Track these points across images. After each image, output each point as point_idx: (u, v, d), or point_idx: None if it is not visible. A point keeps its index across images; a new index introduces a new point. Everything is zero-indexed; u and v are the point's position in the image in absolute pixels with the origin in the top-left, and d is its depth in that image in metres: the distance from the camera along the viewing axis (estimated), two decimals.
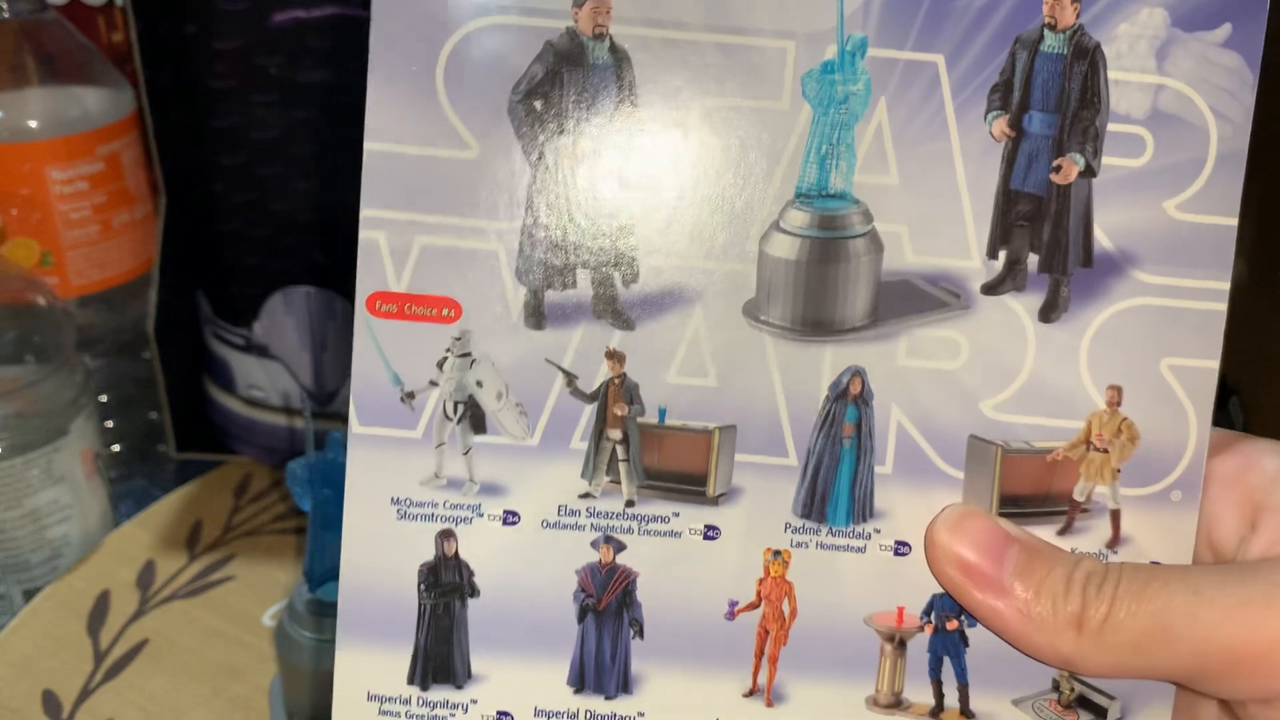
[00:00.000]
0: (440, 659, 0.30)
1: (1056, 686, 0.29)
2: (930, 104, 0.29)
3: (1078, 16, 0.28)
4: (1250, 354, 0.53)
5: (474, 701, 0.30)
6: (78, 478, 0.51)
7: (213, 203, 0.55)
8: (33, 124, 0.56)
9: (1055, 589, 0.27)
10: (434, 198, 0.29)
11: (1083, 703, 0.29)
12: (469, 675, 0.30)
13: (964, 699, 0.29)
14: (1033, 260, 0.29)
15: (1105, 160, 0.29)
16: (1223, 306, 0.29)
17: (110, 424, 0.61)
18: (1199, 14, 0.28)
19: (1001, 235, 0.29)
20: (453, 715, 0.30)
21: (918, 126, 0.29)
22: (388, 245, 0.29)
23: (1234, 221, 0.29)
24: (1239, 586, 0.26)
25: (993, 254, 0.29)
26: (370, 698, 0.30)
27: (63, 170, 0.56)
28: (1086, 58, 0.29)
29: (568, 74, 0.28)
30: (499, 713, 0.30)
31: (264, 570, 0.52)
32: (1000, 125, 0.29)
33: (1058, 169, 0.29)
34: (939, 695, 0.29)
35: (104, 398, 0.61)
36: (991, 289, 0.29)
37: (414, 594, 0.29)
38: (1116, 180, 0.29)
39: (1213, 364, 0.29)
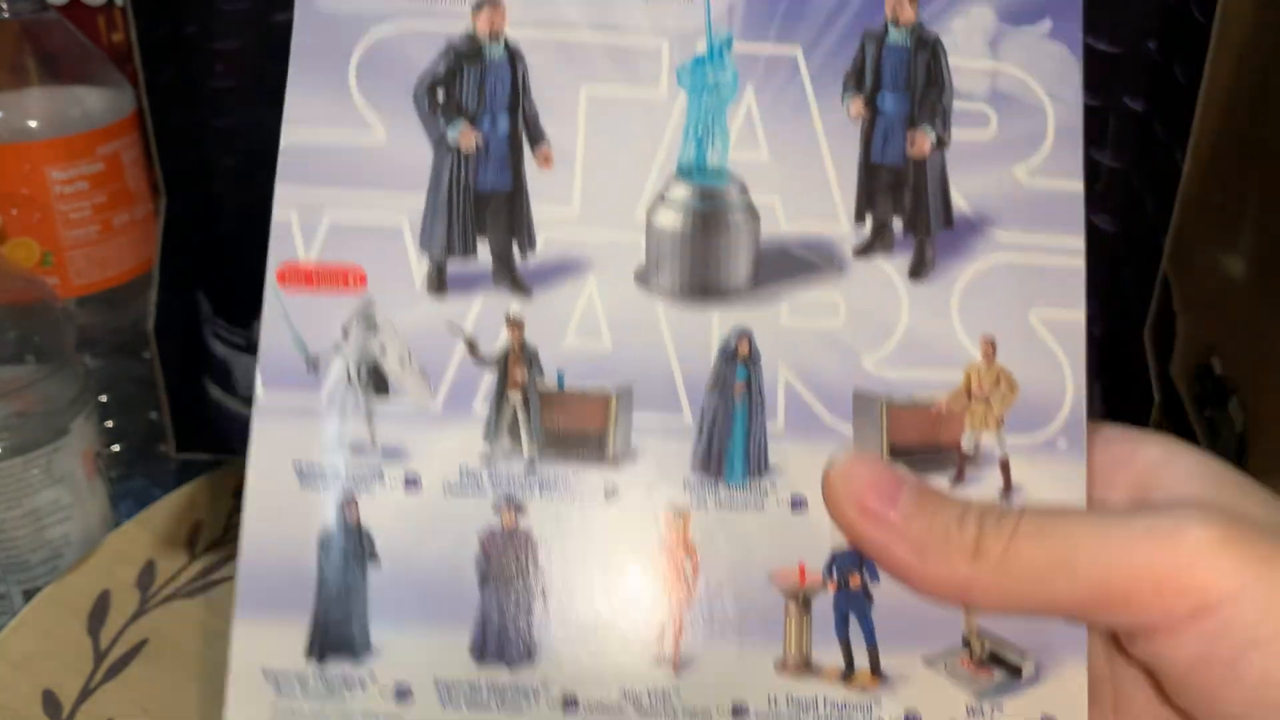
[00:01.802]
0: (338, 629, 0.29)
1: (967, 643, 0.29)
2: (792, 89, 0.32)
3: (917, 15, 0.32)
4: (1250, 354, 0.53)
5: (372, 675, 0.29)
6: (78, 477, 0.51)
7: (213, 203, 0.55)
8: (33, 124, 0.56)
9: (948, 522, 0.28)
10: (343, 177, 0.31)
11: (995, 660, 0.29)
12: (368, 646, 0.29)
13: (874, 659, 0.30)
14: (898, 225, 0.32)
15: (955, 134, 0.32)
16: (1080, 263, 0.31)
17: (110, 424, 0.61)
18: (1022, 11, 0.32)
19: (867, 202, 0.32)
20: (350, 693, 0.29)
21: (783, 109, 0.32)
22: (298, 221, 0.31)
23: (1079, 186, 0.32)
24: (1143, 520, 0.27)
25: (860, 219, 0.31)
26: (267, 676, 0.30)
27: (63, 170, 0.56)
28: (928, 48, 0.32)
29: (467, 69, 0.31)
30: (398, 685, 0.29)
31: None
32: (856, 105, 0.32)
33: (912, 142, 0.32)
34: (848, 657, 0.30)
35: (104, 398, 0.61)
36: (862, 251, 0.31)
37: (314, 561, 0.29)
38: (967, 150, 0.32)
39: (1079, 315, 0.31)
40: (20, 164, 0.56)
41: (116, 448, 0.61)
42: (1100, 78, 0.54)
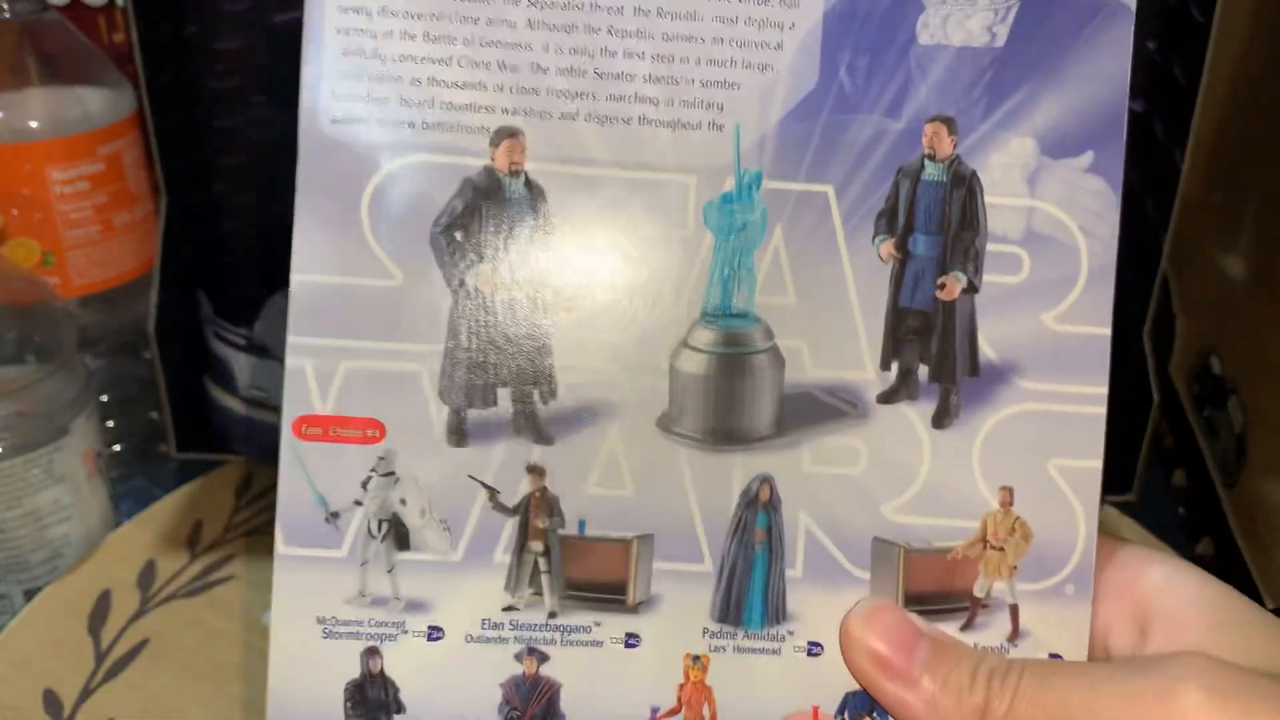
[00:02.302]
0: None
1: None
2: (823, 230, 0.31)
3: (954, 148, 0.31)
4: (1250, 354, 0.53)
5: None
6: (78, 477, 0.51)
7: (213, 203, 0.55)
8: (33, 124, 0.56)
9: (961, 682, 0.29)
10: (359, 324, 0.30)
11: None
12: None
13: None
14: (923, 371, 0.31)
15: (986, 278, 0.31)
16: (1102, 410, 0.31)
17: (111, 424, 0.61)
18: (1065, 143, 0.31)
19: (893, 348, 0.31)
20: None
21: (812, 251, 0.31)
22: (314, 371, 0.30)
23: (1107, 331, 0.31)
24: (1133, 681, 0.27)
25: (886, 366, 0.31)
26: None
27: (63, 170, 0.56)
28: (964, 184, 0.31)
29: (486, 207, 0.30)
30: None
31: (265, 570, 0.52)
32: (887, 247, 0.31)
33: (942, 286, 0.31)
34: None
35: (104, 398, 0.61)
36: (886, 398, 0.31)
37: (340, 713, 0.30)
38: (997, 295, 0.31)
39: (1096, 464, 0.31)
40: (21, 164, 0.56)
41: (117, 448, 0.61)
42: None
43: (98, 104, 0.58)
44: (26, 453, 0.49)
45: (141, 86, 0.52)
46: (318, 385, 0.30)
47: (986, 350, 0.31)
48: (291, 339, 0.30)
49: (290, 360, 0.30)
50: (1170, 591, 0.30)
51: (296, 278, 0.30)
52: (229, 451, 0.59)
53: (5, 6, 0.55)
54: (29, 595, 0.50)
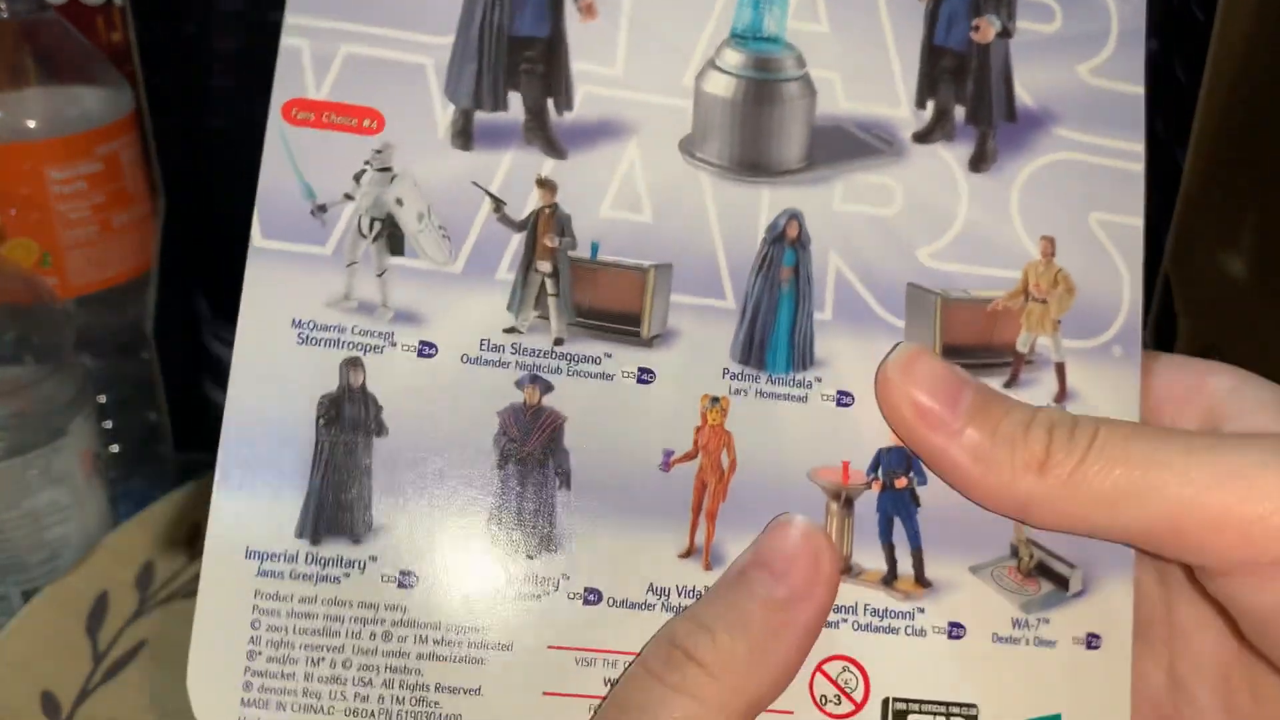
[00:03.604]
0: (336, 507, 0.26)
1: (1015, 553, 0.28)
2: None
3: None
4: (1250, 354, 0.53)
5: (373, 559, 0.26)
6: (77, 478, 0.51)
7: (212, 203, 0.55)
8: (31, 124, 0.56)
9: (1013, 431, 0.26)
10: (363, 7, 0.28)
11: (1042, 570, 0.28)
12: (369, 527, 0.26)
13: (918, 565, 0.28)
14: (959, 113, 0.30)
15: (1020, 24, 0.30)
16: (1140, 169, 0.30)
17: (109, 424, 0.61)
18: None
19: (929, 86, 0.30)
20: (347, 575, 0.26)
21: None
22: (310, 53, 0.28)
23: (1141, 90, 0.30)
24: (1227, 456, 0.25)
25: (921, 104, 0.30)
26: (249, 554, 0.26)
27: (62, 170, 0.56)
28: None
29: None
30: (401, 572, 0.26)
31: None
32: None
33: (976, 28, 0.30)
34: (891, 560, 0.28)
35: (103, 398, 0.61)
36: (922, 138, 0.30)
37: (311, 430, 0.26)
38: (1031, 43, 0.30)
39: (1137, 222, 0.30)
40: (19, 164, 0.56)
41: (116, 448, 0.61)
42: None
43: (96, 104, 0.58)
44: (24, 453, 0.49)
45: (140, 86, 0.52)
46: (313, 68, 0.28)
47: (1023, 95, 0.30)
48: (289, 18, 0.28)
49: (285, 40, 0.27)
50: (1239, 394, 0.28)
51: None
52: None
53: (3, 6, 0.55)
54: (27, 596, 0.50)
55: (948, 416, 0.27)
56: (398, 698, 0.26)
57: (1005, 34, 0.30)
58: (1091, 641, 0.28)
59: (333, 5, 0.28)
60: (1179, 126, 0.47)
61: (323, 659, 0.26)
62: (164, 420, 0.58)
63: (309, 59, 0.28)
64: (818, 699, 0.27)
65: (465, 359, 0.27)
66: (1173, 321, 0.61)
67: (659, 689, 0.24)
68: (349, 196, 0.27)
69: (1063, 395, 0.29)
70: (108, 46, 0.65)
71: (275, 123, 0.27)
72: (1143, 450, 0.25)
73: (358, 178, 0.27)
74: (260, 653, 0.26)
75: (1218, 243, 0.57)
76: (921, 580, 0.28)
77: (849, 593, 0.28)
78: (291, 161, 0.27)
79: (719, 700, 0.24)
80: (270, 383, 0.27)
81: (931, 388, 0.27)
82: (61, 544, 0.51)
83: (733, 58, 0.29)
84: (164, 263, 0.55)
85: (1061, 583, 0.28)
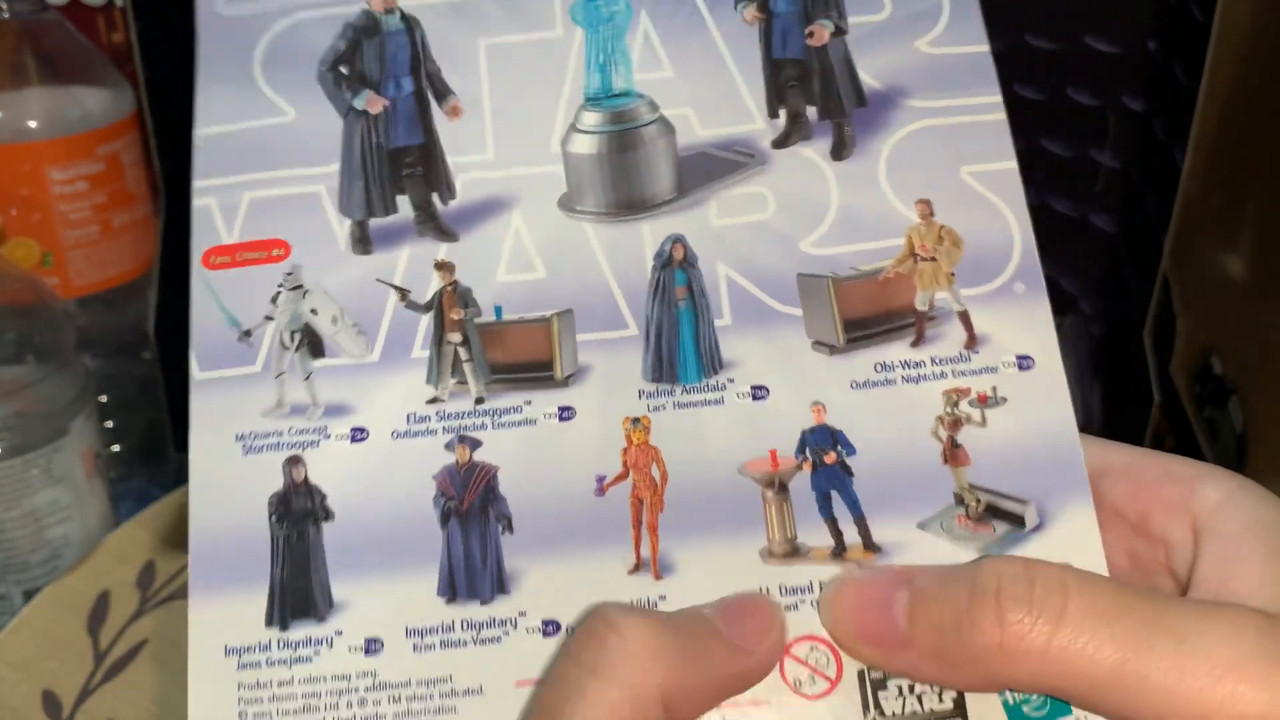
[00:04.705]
0: (299, 593, 0.28)
1: (960, 500, 0.28)
2: (685, 8, 0.33)
3: None
4: (1250, 354, 0.53)
5: (339, 633, 0.28)
6: (78, 478, 0.51)
7: None
8: (33, 124, 0.56)
9: (958, 618, 0.25)
10: (257, 160, 0.31)
11: (994, 512, 0.28)
12: (330, 605, 0.28)
13: (864, 532, 0.28)
14: (812, 113, 0.32)
15: (852, 20, 0.32)
16: (1002, 117, 0.31)
17: (110, 424, 0.61)
18: None
19: (777, 96, 0.32)
20: (317, 653, 0.28)
21: (679, 27, 0.32)
22: (218, 207, 0.31)
23: (985, 47, 0.32)
24: (1232, 644, 0.23)
25: (774, 114, 0.32)
26: (228, 652, 0.28)
27: (63, 170, 0.56)
28: None
29: (366, 43, 0.32)
30: (367, 640, 0.28)
31: None
32: (750, 12, 0.33)
33: (810, 35, 0.32)
34: (836, 533, 0.28)
35: (104, 398, 0.61)
36: (780, 143, 0.32)
37: (265, 527, 0.28)
38: (867, 34, 0.32)
39: (1010, 164, 0.31)
40: (20, 164, 0.56)
41: (116, 448, 0.61)
42: (1100, 78, 0.54)
43: (97, 104, 0.58)
44: (26, 453, 0.49)
45: (141, 86, 0.52)
46: (223, 218, 0.31)
47: (869, 81, 0.32)
48: (196, 184, 0.31)
49: (196, 202, 0.31)
50: (1227, 512, 0.27)
51: (198, 132, 0.31)
52: None
53: (4, 6, 0.55)
54: (28, 596, 0.50)
55: (890, 630, 0.26)
56: None
57: (840, 33, 0.32)
58: None
59: (231, 163, 0.31)
60: (1179, 127, 0.47)
61: None
62: (165, 420, 0.59)
63: (218, 211, 0.31)
64: (791, 683, 0.27)
65: (395, 434, 0.29)
66: (1172, 321, 0.61)
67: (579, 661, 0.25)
68: (269, 318, 0.30)
69: (972, 341, 0.30)
70: (109, 47, 0.65)
71: (197, 271, 0.30)
72: (1135, 630, 0.24)
73: (274, 299, 0.30)
74: None
75: (1217, 243, 0.57)
76: (870, 546, 0.28)
77: (802, 573, 0.28)
78: (216, 300, 0.30)
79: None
80: (225, 493, 0.29)
81: (861, 612, 0.27)
82: (63, 543, 0.51)
83: (591, 118, 0.32)
84: (164, 263, 0.55)
85: (1016, 521, 0.28)
